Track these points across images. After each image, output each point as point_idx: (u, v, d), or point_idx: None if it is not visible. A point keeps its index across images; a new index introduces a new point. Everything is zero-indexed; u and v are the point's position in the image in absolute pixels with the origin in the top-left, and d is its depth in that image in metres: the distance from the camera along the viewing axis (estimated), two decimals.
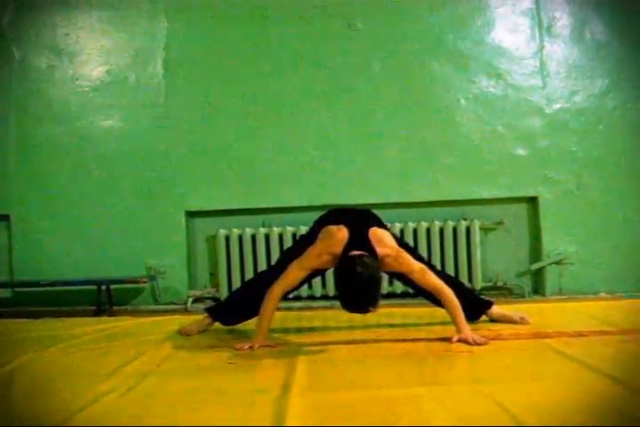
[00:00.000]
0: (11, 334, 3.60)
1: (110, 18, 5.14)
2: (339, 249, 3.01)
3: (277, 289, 3.13)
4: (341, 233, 3.06)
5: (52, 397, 2.22)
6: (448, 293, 3.12)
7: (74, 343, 3.25)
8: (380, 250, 3.05)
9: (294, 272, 3.14)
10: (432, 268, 3.43)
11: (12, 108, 5.11)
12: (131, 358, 2.80)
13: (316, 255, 3.10)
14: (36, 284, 4.80)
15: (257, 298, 3.20)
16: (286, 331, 3.60)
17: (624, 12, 4.91)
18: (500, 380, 2.26)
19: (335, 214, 3.40)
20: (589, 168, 4.87)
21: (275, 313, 3.20)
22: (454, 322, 3.08)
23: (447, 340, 2.99)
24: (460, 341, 2.97)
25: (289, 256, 3.33)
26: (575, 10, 4.94)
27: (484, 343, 2.93)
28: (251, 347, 3.00)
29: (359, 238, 3.05)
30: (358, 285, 2.75)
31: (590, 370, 2.31)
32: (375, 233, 3.12)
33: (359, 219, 3.27)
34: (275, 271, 3.31)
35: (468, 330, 3.03)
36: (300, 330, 3.64)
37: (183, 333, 3.45)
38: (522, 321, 3.38)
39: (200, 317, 3.65)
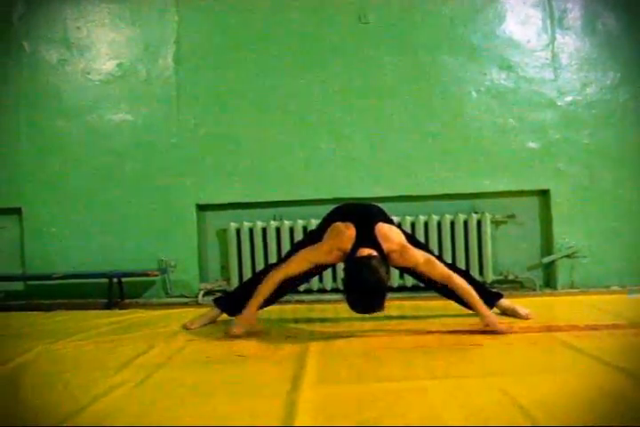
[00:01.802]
0: (23, 327, 3.62)
1: (121, 11, 5.15)
2: (347, 246, 3.10)
3: (277, 274, 3.25)
4: (349, 231, 3.14)
5: (63, 389, 2.23)
6: (458, 280, 3.18)
7: (85, 336, 3.27)
8: (385, 246, 3.12)
9: (299, 262, 3.24)
10: (442, 261, 3.46)
11: (23, 101, 5.12)
12: (142, 351, 2.82)
13: (324, 252, 3.19)
14: (48, 277, 4.82)
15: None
16: (297, 324, 3.61)
17: (636, 4, 4.87)
18: (510, 373, 2.26)
19: (343, 210, 3.48)
20: (601, 161, 4.84)
21: (269, 299, 3.33)
22: (474, 307, 3.15)
23: (472, 332, 3.01)
24: (487, 325, 3.07)
25: (299, 250, 3.37)
26: (587, 1, 4.90)
27: (508, 331, 3.02)
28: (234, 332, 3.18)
29: (366, 235, 3.13)
30: (366, 290, 2.84)
31: (601, 363, 2.30)
32: (381, 229, 3.18)
33: (366, 215, 3.33)
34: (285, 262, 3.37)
35: (490, 313, 3.17)
36: (310, 323, 3.65)
37: (187, 326, 3.46)
38: (526, 316, 3.38)
39: (205, 309, 3.67)
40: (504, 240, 4.93)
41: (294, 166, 4.96)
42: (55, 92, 5.14)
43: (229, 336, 3.20)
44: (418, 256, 3.18)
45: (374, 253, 3.02)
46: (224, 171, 5.00)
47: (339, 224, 3.20)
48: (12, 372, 2.52)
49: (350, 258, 3.05)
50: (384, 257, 3.08)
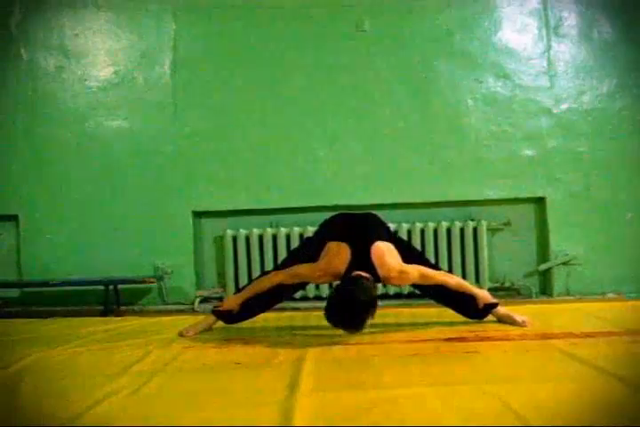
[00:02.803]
0: (19, 334, 3.60)
1: (118, 19, 5.16)
2: (341, 269, 3.11)
3: (267, 282, 3.35)
4: (343, 254, 3.14)
5: (59, 396, 2.22)
6: (452, 280, 3.32)
7: (81, 343, 3.25)
8: (382, 272, 3.13)
9: (292, 277, 3.29)
10: (437, 269, 3.51)
11: (21, 108, 5.13)
12: (138, 358, 2.81)
13: (317, 275, 3.23)
14: (44, 284, 4.82)
15: (259, 298, 3.37)
16: (293, 331, 3.60)
17: (632, 12, 4.90)
18: (506, 380, 2.25)
19: (339, 225, 3.46)
20: (597, 169, 4.86)
21: (255, 309, 3.49)
22: (473, 295, 3.35)
23: (468, 339, 2.99)
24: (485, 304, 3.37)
25: (294, 257, 3.45)
26: (583, 10, 4.94)
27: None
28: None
29: (361, 257, 3.13)
30: (354, 310, 2.85)
31: (597, 371, 2.30)
32: (377, 251, 3.17)
33: (363, 232, 3.31)
34: (280, 269, 3.40)
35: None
36: (307, 330, 3.64)
37: (183, 333, 3.44)
38: (522, 324, 3.36)
39: (202, 317, 3.66)
40: (500, 248, 4.94)
41: (291, 174, 4.97)
42: (52, 98, 5.15)
43: (180, 336, 3.37)
44: (413, 275, 3.21)
45: (367, 276, 3.06)
46: (221, 178, 5.01)
47: (333, 245, 3.20)
48: (9, 378, 2.51)
49: (345, 278, 3.08)
50: (377, 279, 3.13)
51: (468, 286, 3.39)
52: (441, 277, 3.30)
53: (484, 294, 3.41)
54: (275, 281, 3.33)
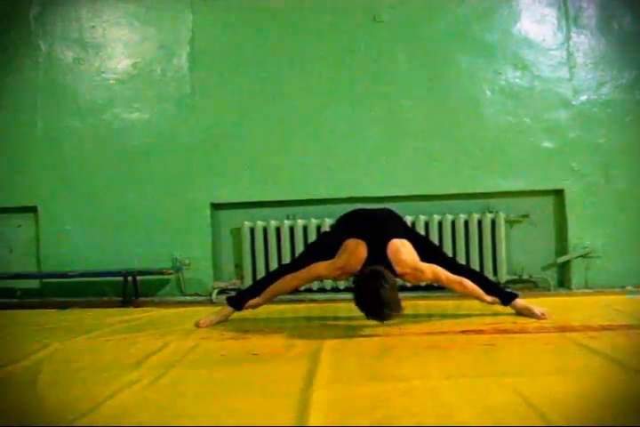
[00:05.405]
0: (38, 325, 3.64)
1: (136, 11, 5.17)
2: (358, 267, 3.16)
3: (289, 283, 3.41)
4: (360, 251, 3.18)
5: (78, 387, 2.24)
6: (466, 283, 3.31)
7: (100, 334, 3.29)
8: (398, 269, 3.18)
9: (311, 276, 3.37)
10: (455, 263, 3.50)
11: (39, 101, 5.16)
12: (156, 349, 2.83)
13: (335, 273, 3.29)
14: (64, 275, 4.86)
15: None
16: (310, 322, 3.61)
17: None
18: (523, 373, 2.25)
19: (356, 222, 3.48)
20: (616, 160, 4.82)
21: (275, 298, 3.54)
22: (488, 299, 3.38)
23: (485, 332, 2.99)
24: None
25: (312, 251, 3.49)
26: (602, 0, 4.88)
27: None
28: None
29: (378, 254, 3.18)
30: (379, 302, 2.89)
31: (615, 364, 2.29)
32: (393, 248, 3.21)
33: (379, 229, 3.34)
34: (297, 264, 3.45)
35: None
36: (324, 321, 3.65)
37: (200, 324, 3.45)
38: (541, 316, 3.35)
39: (218, 308, 3.68)
40: (518, 240, 4.92)
41: (308, 166, 4.96)
42: (71, 91, 5.17)
43: (197, 327, 3.41)
44: (427, 275, 3.26)
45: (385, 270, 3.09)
46: (238, 170, 5.02)
47: (351, 243, 3.24)
48: (28, 369, 2.53)
49: (362, 272, 3.12)
50: (394, 274, 3.15)
51: (481, 294, 3.37)
52: (453, 283, 3.31)
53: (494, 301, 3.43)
54: (292, 286, 3.43)
